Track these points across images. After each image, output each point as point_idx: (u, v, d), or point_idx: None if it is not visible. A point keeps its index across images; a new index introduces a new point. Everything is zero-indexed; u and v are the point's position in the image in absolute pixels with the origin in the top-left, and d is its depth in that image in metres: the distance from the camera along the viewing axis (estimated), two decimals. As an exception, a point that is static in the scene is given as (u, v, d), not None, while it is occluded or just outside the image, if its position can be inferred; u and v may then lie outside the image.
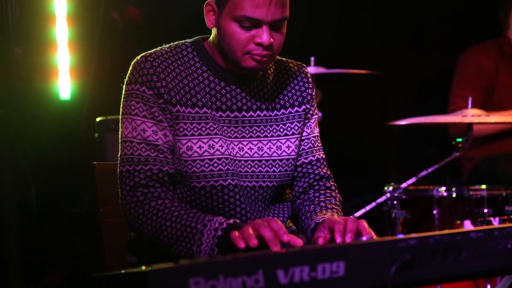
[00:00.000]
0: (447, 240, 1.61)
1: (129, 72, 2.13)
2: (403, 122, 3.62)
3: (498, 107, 4.08)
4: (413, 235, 1.60)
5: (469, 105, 3.46)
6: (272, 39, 2.06)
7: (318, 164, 2.27)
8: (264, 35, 2.04)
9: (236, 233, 1.85)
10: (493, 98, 4.16)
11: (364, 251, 1.55)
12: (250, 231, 1.84)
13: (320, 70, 3.84)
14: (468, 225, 1.81)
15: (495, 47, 4.25)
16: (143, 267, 1.51)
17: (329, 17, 4.45)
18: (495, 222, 1.81)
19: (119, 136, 2.12)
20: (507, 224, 1.72)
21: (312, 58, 3.86)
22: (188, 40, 2.20)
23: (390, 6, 4.58)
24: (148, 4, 4.16)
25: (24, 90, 3.94)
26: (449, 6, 4.65)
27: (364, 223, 1.98)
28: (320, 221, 2.11)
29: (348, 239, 1.93)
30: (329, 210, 2.19)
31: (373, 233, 1.97)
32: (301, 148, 2.25)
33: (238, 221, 1.99)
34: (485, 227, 1.70)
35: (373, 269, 1.54)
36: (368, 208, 3.34)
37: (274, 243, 1.82)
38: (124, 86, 2.14)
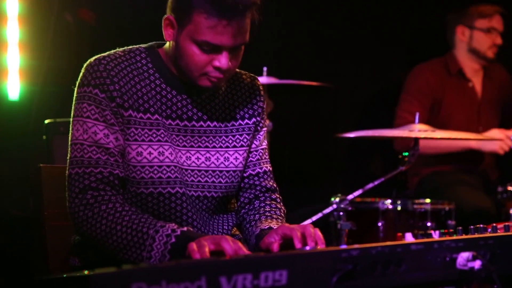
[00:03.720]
0: (388, 251, 1.64)
1: (81, 74, 2.11)
2: (351, 134, 3.67)
3: (444, 123, 4.18)
4: (356, 246, 1.63)
5: (416, 120, 3.53)
6: (230, 63, 2.06)
7: (265, 176, 2.29)
8: (223, 60, 2.04)
9: (193, 246, 1.84)
10: (439, 115, 4.25)
11: (306, 260, 1.57)
12: (206, 247, 1.83)
13: (272, 80, 3.86)
14: (409, 238, 1.84)
15: (441, 65, 4.35)
16: (85, 271, 1.50)
17: (282, 28, 4.49)
18: (435, 235, 1.84)
19: (69, 138, 2.10)
20: (447, 238, 1.76)
21: (265, 68, 3.89)
22: (143, 45, 2.18)
23: (343, 21, 4.64)
24: (101, 7, 4.14)
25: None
26: (400, 23, 4.73)
27: (319, 232, 2.00)
28: (266, 228, 2.13)
29: (312, 242, 1.94)
30: (274, 219, 2.20)
31: (324, 243, 1.98)
32: (249, 160, 2.27)
33: (191, 229, 1.99)
34: (425, 239, 1.73)
35: (315, 278, 1.56)
36: (314, 218, 3.37)
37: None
38: (76, 88, 2.11)
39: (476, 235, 1.79)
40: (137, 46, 2.18)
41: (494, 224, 1.88)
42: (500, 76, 4.46)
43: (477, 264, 1.65)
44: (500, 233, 1.83)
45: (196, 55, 2.05)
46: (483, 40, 4.29)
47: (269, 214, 2.23)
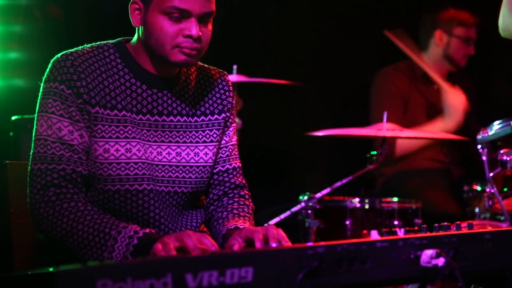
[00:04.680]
0: (354, 249, 1.66)
1: (48, 69, 2.10)
2: (320, 133, 3.69)
3: (409, 124, 4.23)
4: (321, 243, 1.64)
5: (384, 119, 3.57)
6: (200, 33, 2.07)
7: (234, 172, 2.29)
8: (193, 27, 2.05)
9: (160, 246, 1.84)
10: (405, 115, 4.30)
11: (272, 257, 1.57)
12: (171, 245, 1.83)
13: (242, 78, 3.87)
14: (374, 235, 1.86)
15: (406, 67, 4.41)
16: (50, 268, 1.49)
17: (253, 26, 4.49)
18: (400, 233, 1.86)
19: (33, 133, 2.09)
20: (411, 235, 1.78)
21: (235, 66, 3.89)
22: (111, 41, 2.18)
23: (314, 19, 4.66)
24: (70, 3, 4.10)
25: None
26: (370, 22, 4.76)
27: (282, 232, 2.00)
28: (232, 227, 2.13)
29: (273, 244, 1.94)
30: (241, 217, 2.21)
31: (289, 243, 2.00)
32: (219, 156, 2.27)
33: (153, 231, 1.98)
34: (390, 237, 1.75)
35: (281, 275, 1.57)
36: (283, 216, 3.39)
37: (197, 250, 1.81)
38: (42, 84, 2.10)
39: (440, 233, 1.81)
40: (105, 42, 2.18)
41: (458, 222, 1.90)
42: (466, 81, 4.53)
43: (440, 261, 1.67)
44: (463, 231, 1.85)
45: (165, 26, 2.05)
46: (460, 48, 4.35)
47: (236, 212, 2.23)
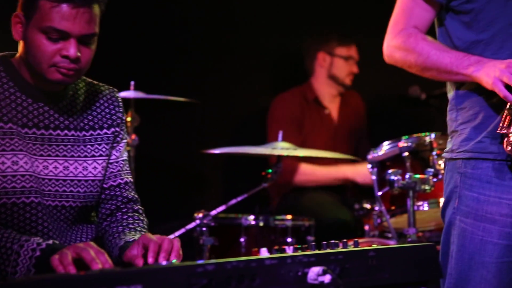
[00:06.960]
0: (243, 266, 1.68)
1: None
2: (216, 151, 3.72)
3: (304, 147, 4.34)
4: (212, 260, 1.65)
5: (279, 139, 3.64)
6: (79, 53, 2.06)
7: (127, 187, 2.29)
8: (71, 48, 2.04)
9: (56, 259, 1.82)
10: (299, 138, 4.40)
11: (162, 275, 1.58)
12: (69, 257, 1.82)
13: (140, 95, 3.85)
14: (264, 253, 1.90)
15: (299, 93, 4.54)
16: None
17: (151, 43, 4.49)
18: (289, 250, 1.91)
19: None
20: (299, 253, 1.82)
21: (132, 83, 3.86)
22: None
23: (212, 38, 4.71)
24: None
25: None
26: (265, 43, 4.86)
27: (177, 244, 2.02)
28: (130, 240, 2.13)
29: (162, 259, 1.96)
30: (138, 232, 2.21)
31: (181, 256, 2.01)
32: (110, 171, 2.27)
33: (57, 242, 1.97)
34: (278, 255, 1.79)
35: (171, 293, 1.58)
36: (177, 233, 3.39)
37: (95, 263, 1.82)
38: None
39: (328, 250, 1.86)
40: None
41: (345, 240, 1.96)
42: (356, 103, 4.69)
43: (327, 278, 1.72)
44: (349, 248, 1.91)
45: (43, 45, 2.04)
46: (342, 67, 4.50)
47: (132, 227, 2.23)
